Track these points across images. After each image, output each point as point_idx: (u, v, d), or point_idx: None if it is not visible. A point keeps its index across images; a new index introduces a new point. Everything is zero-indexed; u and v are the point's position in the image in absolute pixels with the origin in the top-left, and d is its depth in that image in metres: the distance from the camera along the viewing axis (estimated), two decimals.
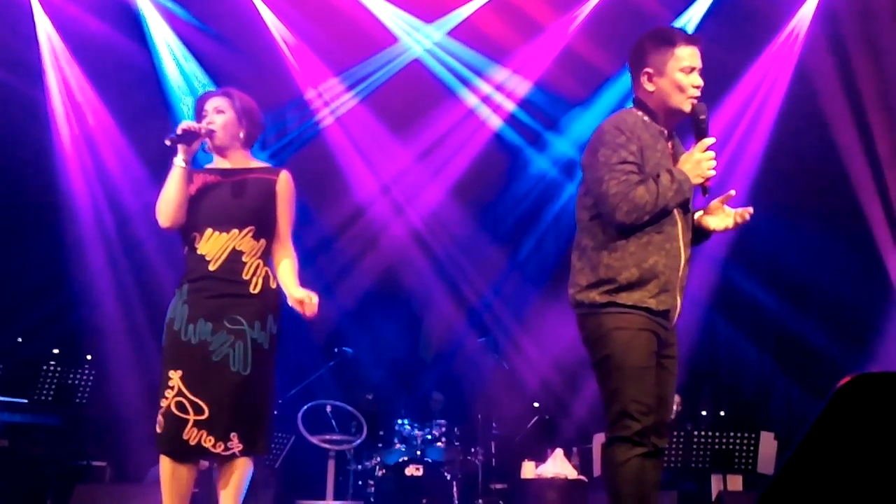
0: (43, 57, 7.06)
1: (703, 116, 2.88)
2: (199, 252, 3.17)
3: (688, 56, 2.86)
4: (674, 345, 2.94)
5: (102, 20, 6.91)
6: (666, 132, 2.94)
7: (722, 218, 3.00)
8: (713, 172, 2.85)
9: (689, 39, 2.90)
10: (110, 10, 6.93)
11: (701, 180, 2.86)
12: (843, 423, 1.19)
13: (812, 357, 7.18)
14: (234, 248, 3.18)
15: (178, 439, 3.04)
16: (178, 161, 3.16)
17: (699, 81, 2.87)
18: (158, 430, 3.08)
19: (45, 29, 7.00)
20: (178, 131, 3.17)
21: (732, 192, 3.02)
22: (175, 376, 3.08)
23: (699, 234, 3.04)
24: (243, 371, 3.10)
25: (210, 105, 3.31)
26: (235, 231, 3.18)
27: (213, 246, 3.17)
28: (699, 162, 2.85)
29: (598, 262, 2.85)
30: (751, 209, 2.98)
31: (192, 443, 3.03)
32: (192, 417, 3.05)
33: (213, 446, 3.04)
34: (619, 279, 2.81)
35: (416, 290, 8.29)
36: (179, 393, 3.06)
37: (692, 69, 2.86)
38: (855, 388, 1.20)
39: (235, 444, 3.07)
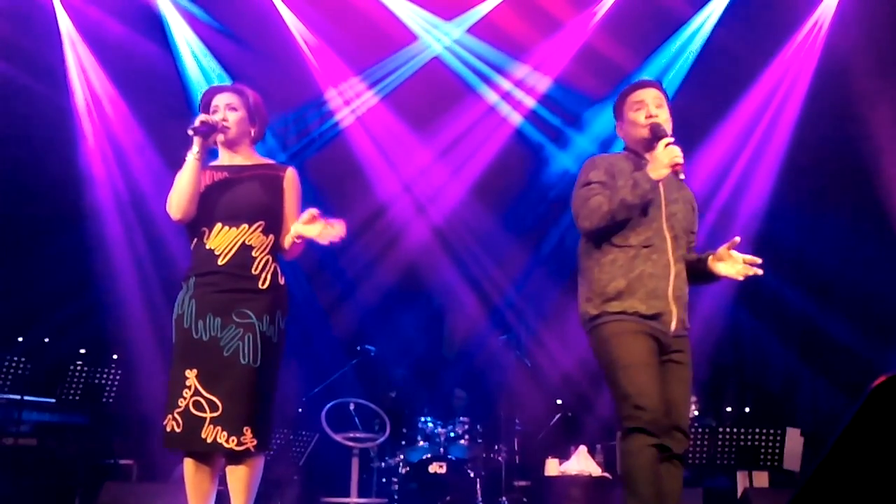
0: (66, 60, 7.13)
1: (662, 128, 3.17)
2: (207, 247, 3.17)
3: (636, 97, 3.25)
4: (683, 352, 3.13)
5: (124, 23, 6.97)
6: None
7: (731, 264, 3.19)
8: (680, 159, 3.07)
9: (640, 85, 3.30)
10: (132, 12, 6.98)
11: (668, 170, 3.07)
12: (877, 424, 1.17)
13: (838, 352, 7.09)
14: (243, 243, 3.18)
15: (196, 438, 3.04)
16: (193, 153, 3.17)
17: (651, 111, 3.21)
18: (177, 428, 3.06)
19: (68, 32, 7.07)
20: (197, 123, 3.19)
21: (737, 239, 3.21)
22: (191, 375, 3.08)
23: (705, 276, 3.25)
24: (253, 364, 3.09)
25: (221, 101, 3.31)
26: (245, 226, 3.19)
27: (222, 240, 3.17)
28: (662, 154, 3.08)
29: (591, 277, 3.15)
30: (759, 261, 3.16)
31: (209, 441, 3.03)
32: (208, 415, 3.05)
33: (227, 441, 3.02)
34: (608, 290, 3.08)
35: (438, 288, 8.29)
36: (196, 392, 3.07)
37: (640, 104, 3.23)
38: (890, 389, 1.17)
39: (249, 439, 3.05)
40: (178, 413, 3.07)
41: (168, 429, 3.09)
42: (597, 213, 3.04)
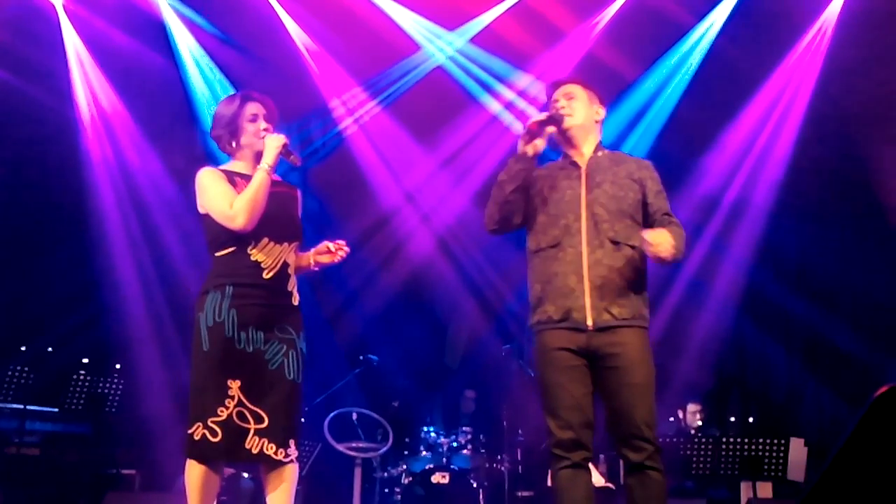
0: (71, 70, 7.15)
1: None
2: (252, 258, 3.18)
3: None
4: (618, 354, 2.95)
5: (129, 34, 7.00)
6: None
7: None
8: (541, 117, 3.27)
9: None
10: (136, 23, 7.01)
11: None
12: (880, 433, 1.16)
13: (842, 361, 7.08)
14: (285, 261, 3.25)
15: (241, 449, 3.07)
16: (271, 169, 3.20)
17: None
18: (213, 438, 3.03)
19: (72, 43, 7.10)
20: (285, 143, 3.26)
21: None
22: (234, 386, 3.09)
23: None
24: (297, 379, 3.17)
25: (260, 111, 3.33)
26: (286, 244, 3.26)
27: (269, 255, 3.21)
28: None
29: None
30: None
31: (255, 451, 3.07)
32: (252, 427, 3.08)
33: (276, 453, 3.08)
34: (531, 299, 3.12)
35: (441, 298, 8.29)
36: (240, 403, 3.09)
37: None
38: (892, 398, 1.17)
39: (293, 451, 3.14)
40: (216, 422, 3.05)
41: (197, 437, 3.05)
42: (487, 209, 3.23)
